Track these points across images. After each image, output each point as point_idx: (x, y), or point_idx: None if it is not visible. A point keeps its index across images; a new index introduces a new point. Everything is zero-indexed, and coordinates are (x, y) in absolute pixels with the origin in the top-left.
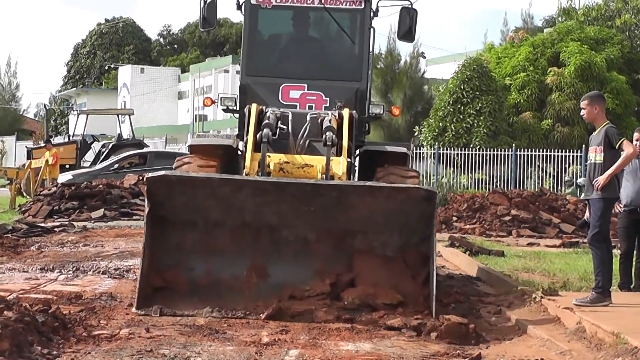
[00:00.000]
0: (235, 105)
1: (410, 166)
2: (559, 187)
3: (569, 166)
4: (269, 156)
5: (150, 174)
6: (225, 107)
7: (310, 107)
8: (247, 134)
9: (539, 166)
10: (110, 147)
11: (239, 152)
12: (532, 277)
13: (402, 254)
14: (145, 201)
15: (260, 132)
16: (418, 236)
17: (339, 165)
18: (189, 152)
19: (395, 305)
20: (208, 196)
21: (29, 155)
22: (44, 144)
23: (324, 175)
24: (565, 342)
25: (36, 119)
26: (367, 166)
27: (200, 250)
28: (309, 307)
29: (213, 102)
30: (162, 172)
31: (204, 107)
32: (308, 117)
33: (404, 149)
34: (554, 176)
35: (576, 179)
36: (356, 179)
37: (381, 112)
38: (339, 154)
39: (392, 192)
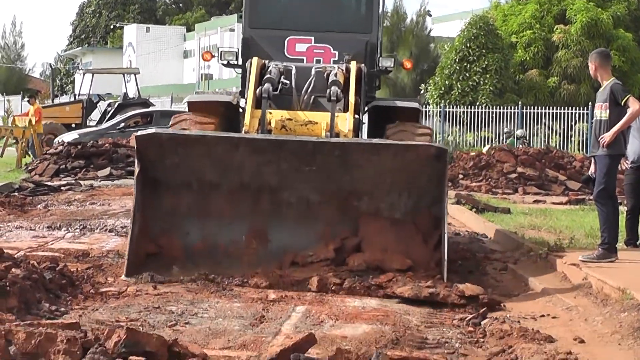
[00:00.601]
0: (237, 59)
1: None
2: (566, 145)
3: (575, 123)
4: (270, 113)
5: (139, 132)
6: (225, 62)
7: (318, 62)
8: (248, 90)
9: (545, 124)
10: (116, 106)
11: (241, 110)
12: (538, 234)
13: (411, 216)
14: (135, 162)
15: (261, 87)
16: (429, 197)
17: (345, 122)
18: (187, 110)
19: (404, 271)
20: (202, 156)
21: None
22: (27, 99)
23: (329, 133)
24: (572, 298)
25: (42, 78)
26: (376, 123)
27: (195, 214)
28: (311, 274)
29: (213, 56)
30: (152, 130)
31: (209, 66)
32: (313, 71)
33: (415, 104)
34: (560, 134)
35: (516, 129)
36: (365, 136)
37: (392, 65)
38: (345, 110)
39: (399, 150)
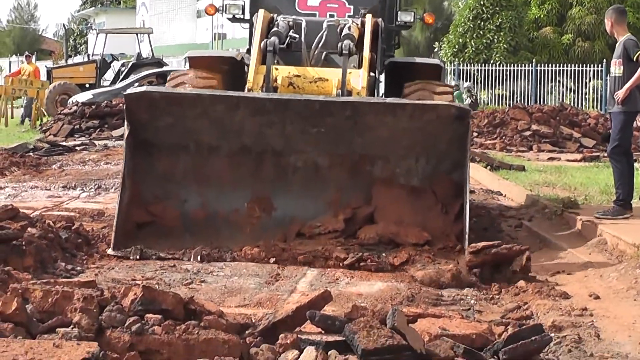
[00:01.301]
0: (243, 13)
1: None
2: (580, 102)
3: (589, 81)
4: (277, 69)
5: (128, 90)
6: (231, 16)
7: (332, 17)
8: (253, 44)
9: (559, 81)
10: (129, 66)
11: (246, 67)
12: (553, 191)
13: (430, 183)
14: (124, 122)
15: (266, 39)
16: (449, 162)
17: (358, 78)
18: (188, 66)
19: (421, 245)
20: (200, 116)
21: (49, 75)
22: (25, 57)
23: (340, 90)
24: (587, 255)
25: (55, 38)
26: (394, 83)
27: (193, 179)
28: (318, 247)
29: (217, 10)
30: (143, 88)
31: (222, 25)
32: (325, 25)
33: (436, 61)
34: (574, 91)
35: (462, 83)
36: (381, 95)
37: (412, 20)
38: (359, 66)
39: (417, 111)
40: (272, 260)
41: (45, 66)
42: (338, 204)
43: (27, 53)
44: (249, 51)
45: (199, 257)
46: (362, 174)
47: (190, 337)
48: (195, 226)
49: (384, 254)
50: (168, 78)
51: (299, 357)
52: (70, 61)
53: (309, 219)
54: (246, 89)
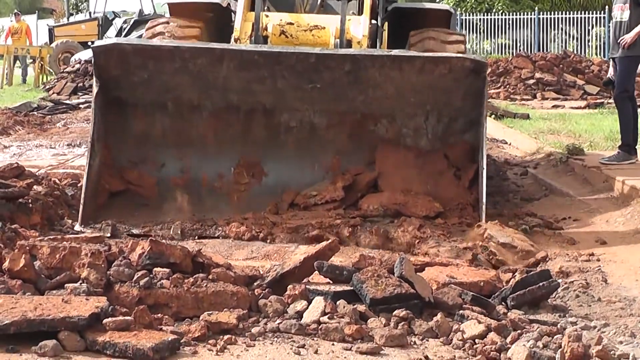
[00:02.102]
0: None
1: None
2: (583, 49)
3: (592, 28)
4: (267, 16)
5: (97, 42)
6: None
7: None
8: None
9: (562, 29)
10: (132, 22)
11: (233, 15)
12: (557, 138)
13: (441, 145)
14: (93, 79)
15: None
16: (463, 121)
17: (359, 26)
18: (152, 16)
19: (433, 218)
20: (178, 71)
21: (51, 33)
22: (15, 14)
23: (339, 40)
24: (592, 200)
25: None
26: (398, 31)
27: (172, 141)
28: (314, 220)
29: None
30: (113, 40)
31: None
32: None
33: (446, 6)
34: (577, 38)
35: None
36: (384, 46)
37: None
38: (360, 12)
39: (426, 64)
40: (261, 236)
41: (47, 24)
42: (337, 168)
43: (15, 11)
44: None
45: (178, 232)
46: (364, 135)
47: (198, 290)
48: (174, 195)
49: (390, 227)
50: (145, 28)
51: (307, 307)
52: (72, 19)
53: (304, 187)
54: (232, 40)
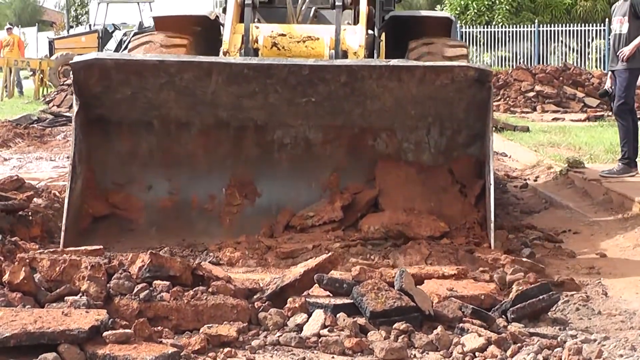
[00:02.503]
0: None
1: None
2: (583, 62)
3: (592, 40)
4: (257, 27)
5: (76, 57)
6: None
7: None
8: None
9: (562, 41)
10: (131, 35)
11: (222, 28)
12: (557, 151)
13: (445, 160)
14: (73, 97)
15: None
16: (467, 134)
17: (355, 36)
18: (153, 28)
19: (438, 238)
20: (164, 87)
21: (51, 46)
22: (7, 28)
23: (334, 51)
24: (593, 213)
25: (56, 9)
26: (397, 40)
27: (159, 161)
28: (311, 243)
29: None
30: (94, 54)
31: None
32: None
33: (446, 14)
34: (577, 51)
35: None
36: (382, 57)
37: None
38: (355, 22)
39: (427, 74)
40: (253, 262)
41: (47, 37)
42: (335, 187)
43: (8, 25)
44: (225, 10)
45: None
46: (363, 150)
47: (198, 302)
48: (163, 219)
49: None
50: (131, 45)
51: (307, 320)
52: (72, 32)
53: (300, 207)
54: (221, 53)
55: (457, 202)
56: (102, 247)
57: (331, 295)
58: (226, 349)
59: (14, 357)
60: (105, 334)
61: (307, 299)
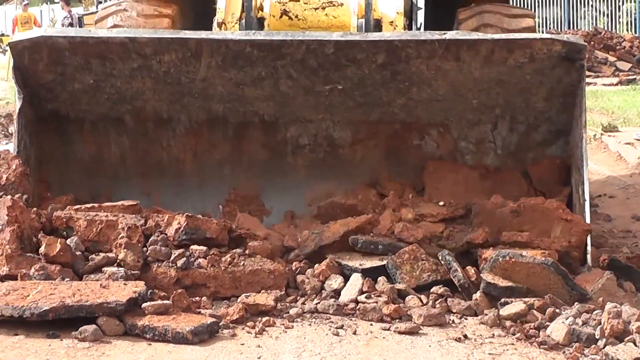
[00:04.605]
0: None
1: None
2: (614, 26)
3: (622, 4)
4: None
5: (15, 36)
6: None
7: None
8: None
9: (592, 5)
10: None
11: None
12: (590, 115)
13: (516, 162)
14: (16, 88)
15: None
16: (547, 130)
17: (390, 1)
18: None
19: None
20: (138, 72)
21: (80, 22)
22: (24, 4)
23: (363, 21)
24: (627, 177)
25: None
26: (439, 7)
27: (134, 169)
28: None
29: None
30: (40, 31)
31: None
32: None
33: None
34: (608, 15)
35: None
36: (421, 28)
37: None
38: None
39: (496, 50)
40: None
41: (77, 13)
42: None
43: (24, 2)
44: None
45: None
46: (407, 151)
47: (236, 269)
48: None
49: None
50: (97, 16)
51: (344, 284)
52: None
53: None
54: (214, 25)
55: None
56: (138, 202)
57: (367, 257)
58: (264, 318)
59: (54, 329)
60: (144, 305)
61: (342, 262)
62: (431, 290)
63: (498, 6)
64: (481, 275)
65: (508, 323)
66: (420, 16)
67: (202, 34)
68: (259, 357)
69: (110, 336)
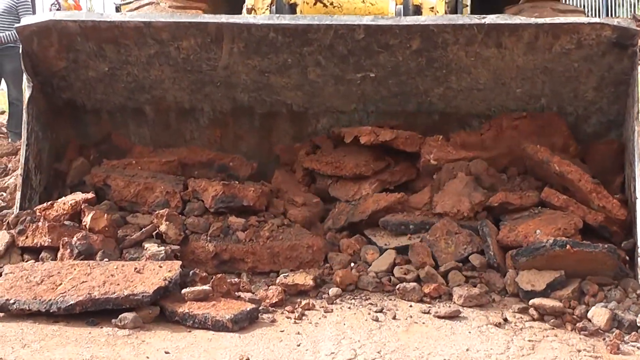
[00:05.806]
0: None
1: None
2: None
3: None
4: None
5: (24, 19)
6: None
7: None
8: None
9: None
10: None
11: None
12: None
13: (570, 152)
14: (24, 77)
15: None
16: (598, 122)
17: None
18: None
19: None
20: (155, 59)
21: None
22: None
23: (401, 7)
24: None
25: None
26: (486, 4)
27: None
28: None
29: None
30: (49, 14)
31: None
32: None
33: None
34: None
35: None
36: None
37: None
38: None
39: (542, 36)
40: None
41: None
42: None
43: None
44: None
45: None
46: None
47: (274, 244)
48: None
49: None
50: (128, 7)
51: (378, 257)
52: None
53: None
54: (244, 11)
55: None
56: (176, 158)
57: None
58: (304, 302)
59: (94, 317)
60: (183, 291)
61: (374, 239)
62: (469, 260)
63: (547, 2)
64: (515, 280)
65: (548, 307)
66: (466, 12)
67: (222, 18)
68: (299, 345)
69: (149, 323)
